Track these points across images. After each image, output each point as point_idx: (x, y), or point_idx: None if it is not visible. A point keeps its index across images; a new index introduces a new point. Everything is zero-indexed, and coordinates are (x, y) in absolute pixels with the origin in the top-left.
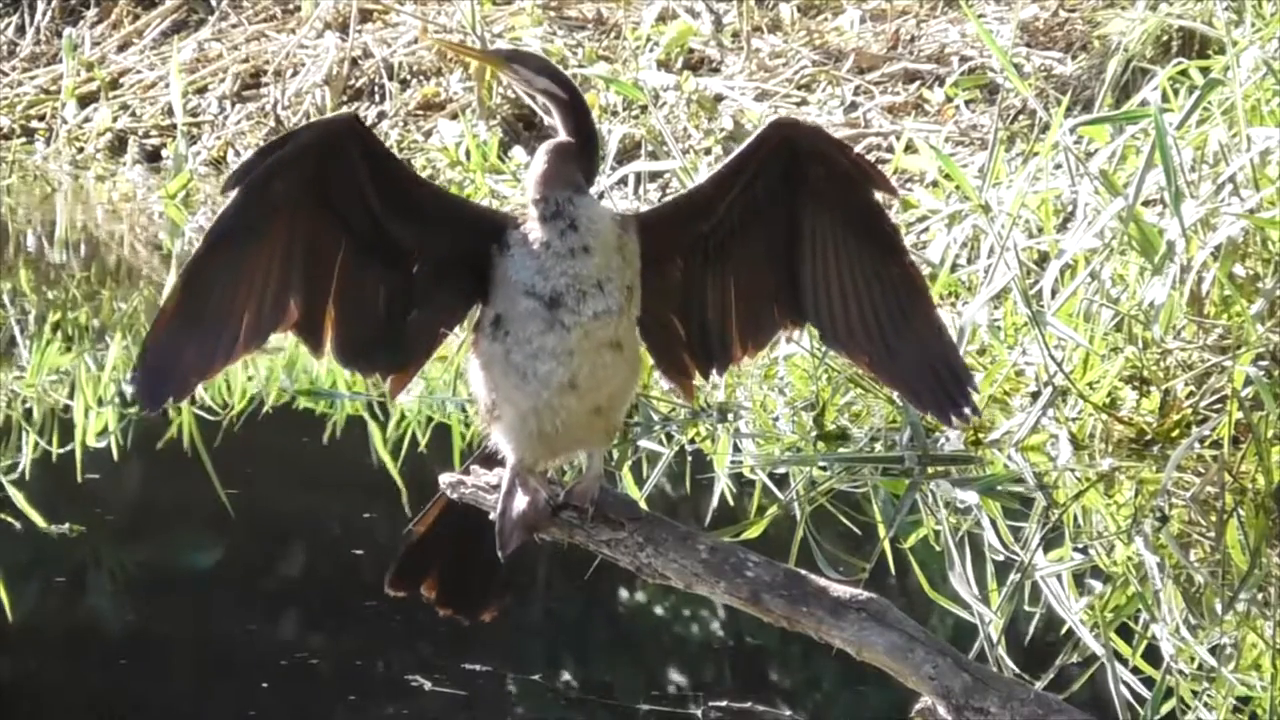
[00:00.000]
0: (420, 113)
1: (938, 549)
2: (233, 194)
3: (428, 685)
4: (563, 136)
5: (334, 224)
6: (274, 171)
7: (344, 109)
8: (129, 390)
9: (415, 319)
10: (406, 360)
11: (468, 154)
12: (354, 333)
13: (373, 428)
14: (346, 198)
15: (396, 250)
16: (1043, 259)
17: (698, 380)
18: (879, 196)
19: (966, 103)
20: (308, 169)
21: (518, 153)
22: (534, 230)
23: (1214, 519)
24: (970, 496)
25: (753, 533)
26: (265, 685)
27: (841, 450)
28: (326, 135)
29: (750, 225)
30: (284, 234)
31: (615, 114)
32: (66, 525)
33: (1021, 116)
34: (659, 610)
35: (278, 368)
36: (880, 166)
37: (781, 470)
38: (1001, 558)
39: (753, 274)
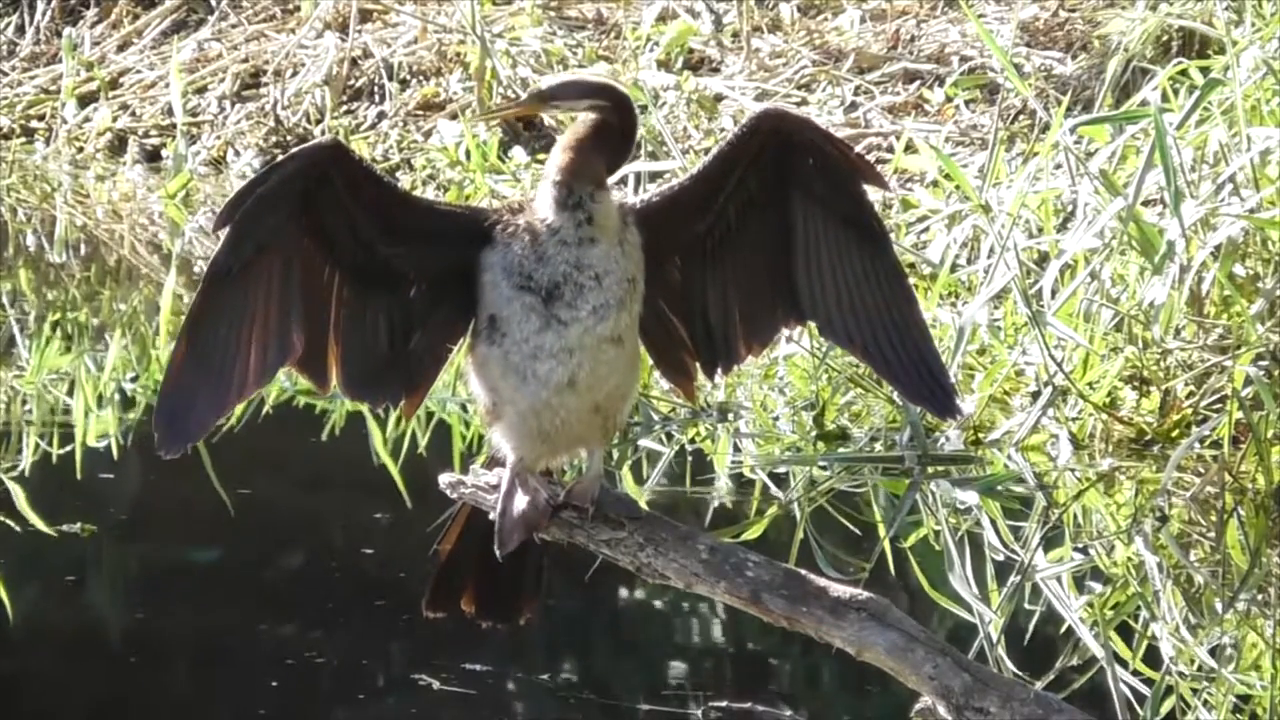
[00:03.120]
0: (420, 113)
1: (938, 549)
2: (223, 233)
3: (429, 685)
4: (597, 119)
5: (326, 255)
6: (261, 206)
7: (344, 109)
8: (155, 436)
9: (418, 341)
10: (415, 384)
11: (468, 154)
12: (359, 365)
13: (373, 427)
14: (335, 226)
15: (391, 275)
16: (1043, 259)
17: (700, 380)
18: (867, 188)
19: (966, 103)
20: (294, 200)
21: (518, 153)
22: (544, 212)
23: (1214, 519)
24: (970, 496)
25: (753, 533)
26: (273, 684)
27: (841, 450)
28: (310, 164)
29: (745, 222)
30: (279, 268)
31: None
32: (78, 525)
33: (1021, 116)
34: (659, 610)
35: None
36: (880, 166)
37: (781, 470)
38: (1001, 558)
39: (752, 272)
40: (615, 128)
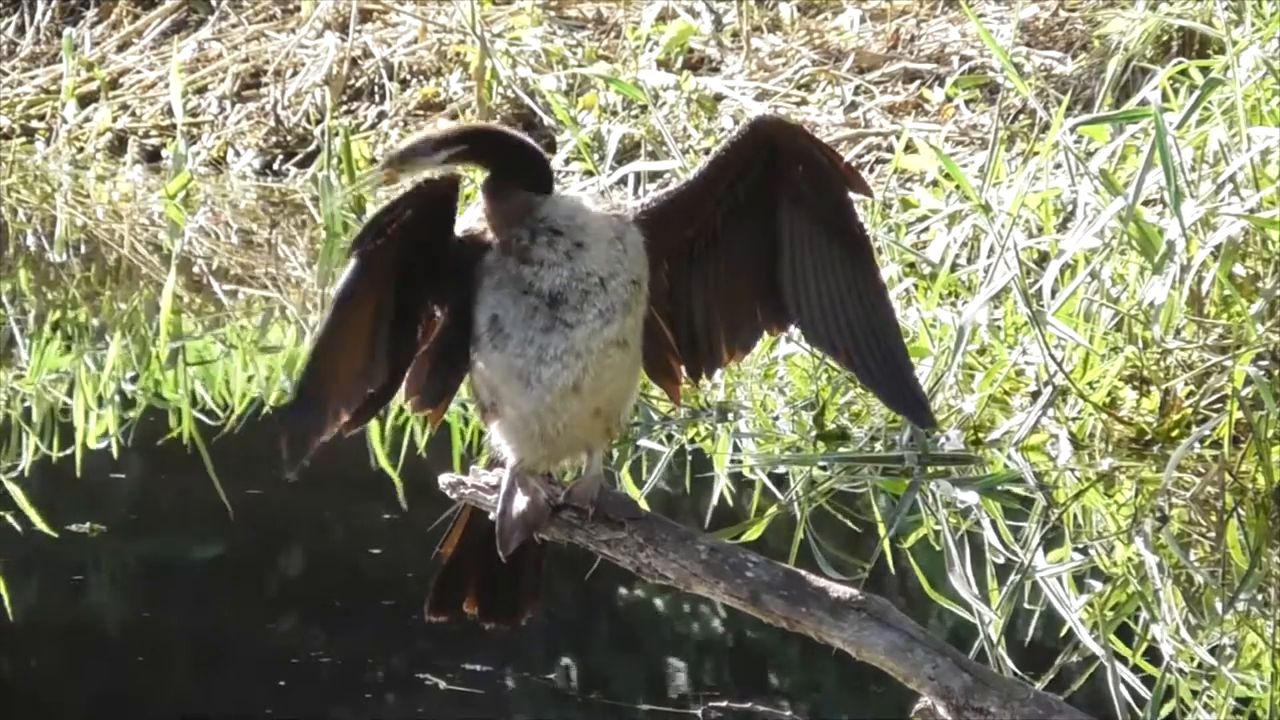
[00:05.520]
0: (420, 113)
1: (938, 549)
2: (352, 256)
3: (435, 684)
4: (460, 162)
5: (403, 286)
6: (388, 233)
7: (344, 109)
8: (283, 452)
9: (435, 369)
10: (439, 396)
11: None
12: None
13: (372, 426)
14: (413, 260)
15: (421, 310)
16: (1043, 259)
17: (684, 382)
18: (854, 197)
19: (966, 103)
20: (414, 229)
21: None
22: (521, 251)
23: (1214, 519)
24: (970, 496)
25: (753, 533)
26: (279, 684)
27: (841, 450)
28: (437, 195)
29: (733, 226)
30: (385, 295)
31: (615, 114)
32: (87, 526)
33: (1021, 116)
34: (659, 610)
35: (278, 367)
36: (880, 166)
37: (781, 470)
38: (1001, 558)
39: (737, 276)
40: (494, 167)
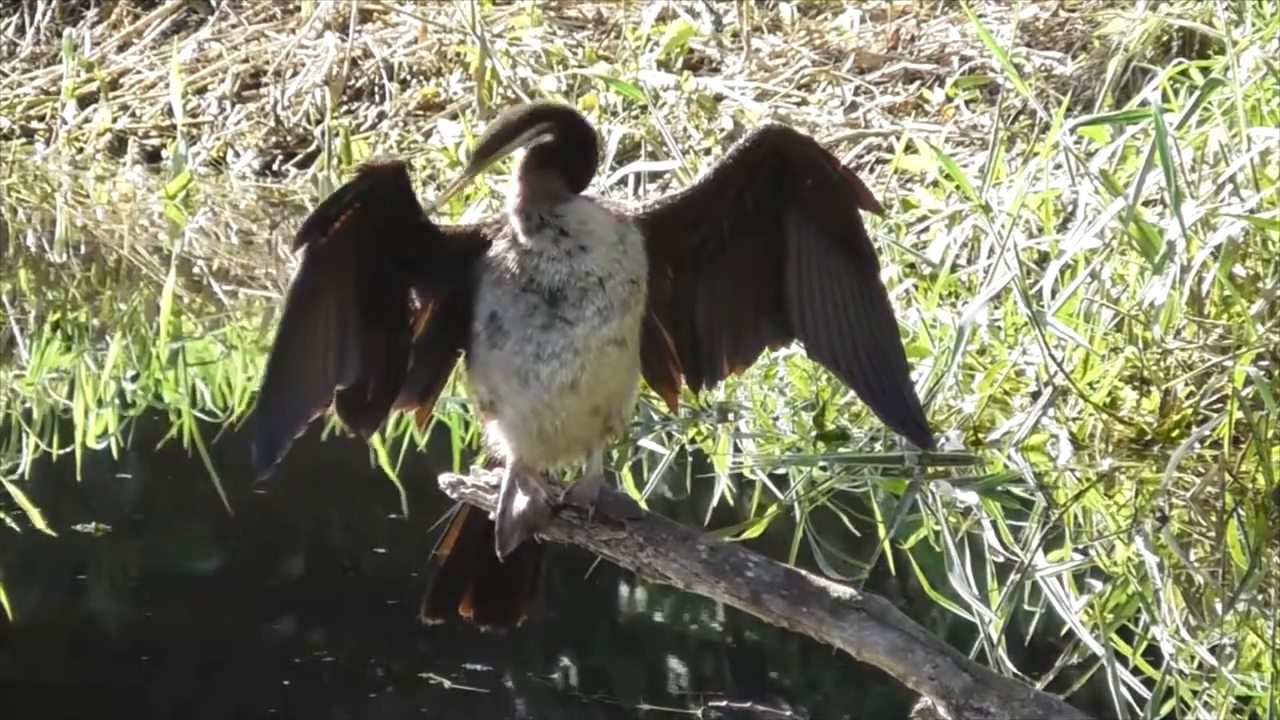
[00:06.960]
0: (420, 113)
1: (938, 549)
2: (300, 253)
3: (440, 684)
4: (542, 140)
5: (367, 278)
6: (334, 226)
7: (344, 109)
8: (253, 453)
9: (419, 366)
10: (426, 393)
11: (468, 154)
12: (355, 391)
13: None
14: (379, 249)
15: (402, 301)
16: (1043, 259)
17: (683, 391)
18: (863, 213)
19: (966, 103)
20: (364, 219)
21: (518, 153)
22: (521, 238)
23: (1214, 519)
24: (970, 496)
25: (753, 533)
26: (283, 683)
27: (841, 450)
28: (379, 183)
29: (740, 236)
30: (345, 289)
31: (615, 114)
32: (92, 525)
33: (1021, 116)
34: (659, 610)
35: None
36: (880, 167)
37: (781, 470)
38: (1001, 558)
39: (741, 286)
40: (557, 144)
